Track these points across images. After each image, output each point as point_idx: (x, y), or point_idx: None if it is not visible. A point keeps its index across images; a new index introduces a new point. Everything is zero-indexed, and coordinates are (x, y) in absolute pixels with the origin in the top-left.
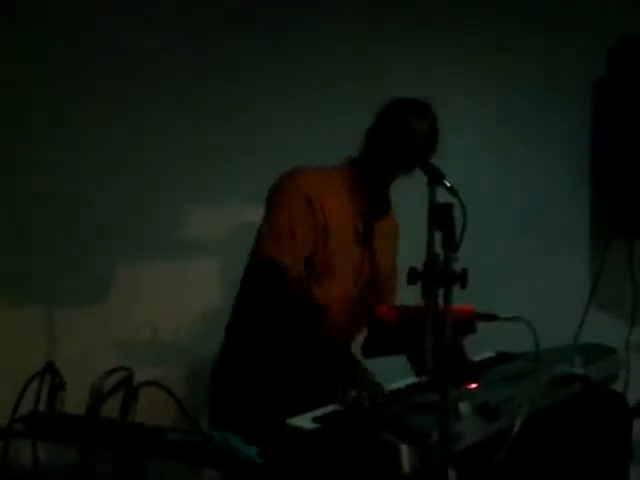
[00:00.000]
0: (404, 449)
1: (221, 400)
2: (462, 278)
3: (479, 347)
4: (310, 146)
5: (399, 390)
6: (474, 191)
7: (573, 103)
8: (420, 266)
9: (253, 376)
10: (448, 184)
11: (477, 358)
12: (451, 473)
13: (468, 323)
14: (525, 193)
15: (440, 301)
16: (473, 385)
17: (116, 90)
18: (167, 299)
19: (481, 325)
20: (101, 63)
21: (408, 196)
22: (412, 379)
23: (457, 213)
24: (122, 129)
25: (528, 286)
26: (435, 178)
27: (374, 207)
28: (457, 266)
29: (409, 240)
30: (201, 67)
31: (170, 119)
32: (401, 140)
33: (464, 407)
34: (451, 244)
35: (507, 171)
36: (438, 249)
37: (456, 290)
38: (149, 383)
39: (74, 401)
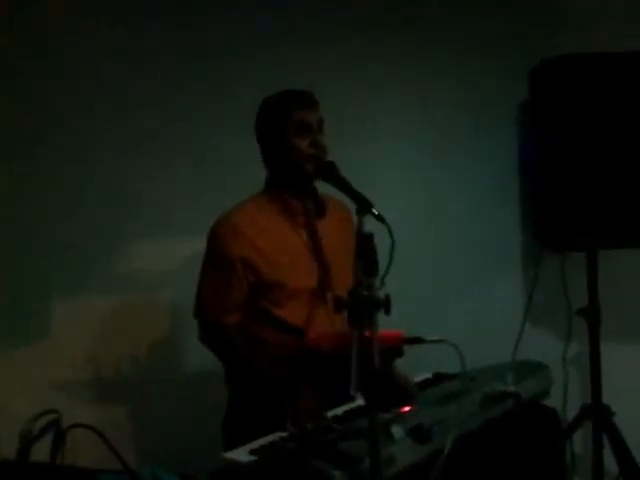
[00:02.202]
0: (336, 476)
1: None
2: (386, 304)
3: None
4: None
5: (338, 416)
6: (404, 215)
7: (500, 126)
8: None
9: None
10: (376, 212)
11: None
12: None
13: (395, 348)
14: (456, 213)
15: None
16: (407, 408)
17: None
18: (108, 334)
19: (429, 346)
20: None
21: None
22: (352, 404)
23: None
24: (73, 167)
25: (464, 306)
26: (363, 207)
27: (310, 210)
28: (385, 292)
29: None
30: (167, 111)
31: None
32: (295, 135)
33: (397, 430)
34: (373, 272)
35: (436, 193)
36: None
37: (391, 314)
38: (77, 425)
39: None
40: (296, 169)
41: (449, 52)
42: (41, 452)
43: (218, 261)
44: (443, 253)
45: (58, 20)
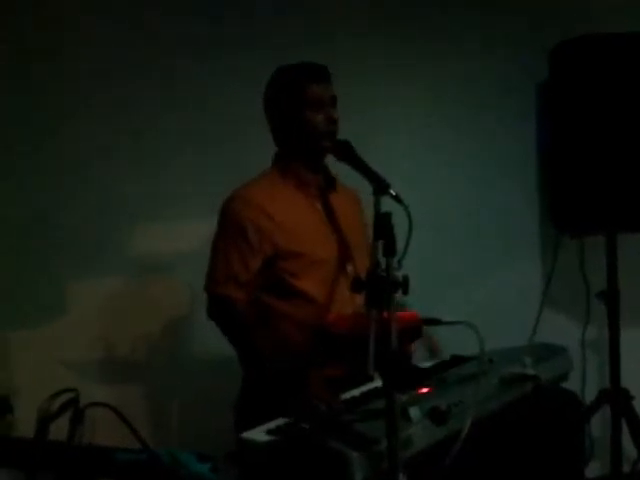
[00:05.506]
0: (354, 457)
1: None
2: (404, 285)
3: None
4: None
5: (354, 397)
6: (423, 197)
7: (518, 106)
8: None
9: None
10: (393, 193)
11: (430, 362)
12: (402, 479)
13: (414, 329)
14: (474, 196)
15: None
16: (425, 389)
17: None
18: (124, 315)
19: (448, 328)
20: None
21: None
22: (368, 386)
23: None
24: (85, 142)
25: (482, 289)
26: (380, 187)
27: (322, 183)
28: (403, 272)
29: None
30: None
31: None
32: (309, 109)
33: (414, 412)
34: (392, 252)
35: (455, 175)
36: None
37: (410, 295)
38: (95, 404)
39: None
40: (311, 144)
41: (464, 32)
42: (59, 431)
43: (230, 230)
44: (462, 237)
45: (58, 19)
